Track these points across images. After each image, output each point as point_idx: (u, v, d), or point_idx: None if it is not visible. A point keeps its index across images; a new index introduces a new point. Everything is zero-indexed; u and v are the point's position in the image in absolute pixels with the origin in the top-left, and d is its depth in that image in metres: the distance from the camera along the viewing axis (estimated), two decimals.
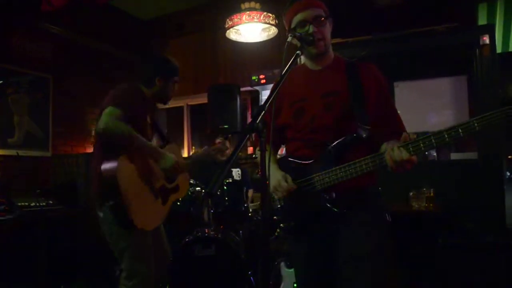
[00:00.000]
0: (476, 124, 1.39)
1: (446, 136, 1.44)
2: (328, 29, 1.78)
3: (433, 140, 1.46)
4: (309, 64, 1.87)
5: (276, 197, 1.81)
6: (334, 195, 1.68)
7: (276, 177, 1.76)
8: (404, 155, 1.48)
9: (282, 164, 1.85)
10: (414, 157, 1.50)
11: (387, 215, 1.76)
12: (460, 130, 1.41)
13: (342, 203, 1.67)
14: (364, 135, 1.65)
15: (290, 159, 1.85)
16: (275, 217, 1.92)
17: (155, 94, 2.56)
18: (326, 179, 1.66)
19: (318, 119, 1.74)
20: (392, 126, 1.75)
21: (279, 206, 1.84)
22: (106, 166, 2.23)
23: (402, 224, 3.12)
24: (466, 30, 3.76)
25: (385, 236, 1.71)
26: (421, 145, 1.48)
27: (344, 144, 1.67)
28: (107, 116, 2.19)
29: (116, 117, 2.19)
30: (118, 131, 2.19)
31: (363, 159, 1.59)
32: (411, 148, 1.49)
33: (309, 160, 1.75)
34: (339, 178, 1.63)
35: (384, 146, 1.62)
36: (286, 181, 1.73)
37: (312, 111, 1.77)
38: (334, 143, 1.68)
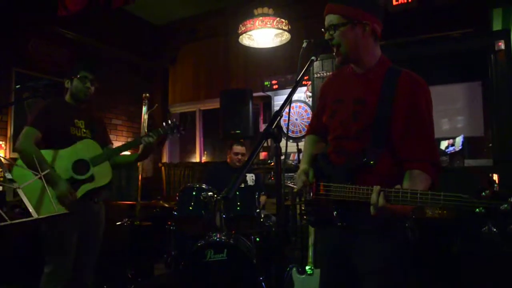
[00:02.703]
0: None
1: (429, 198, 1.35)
2: (348, 34, 1.65)
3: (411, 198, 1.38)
4: (353, 66, 1.78)
5: (298, 184, 1.80)
6: (341, 209, 1.64)
7: (302, 166, 1.80)
8: (380, 201, 1.41)
9: (315, 159, 1.83)
10: (391, 207, 1.41)
11: (405, 233, 1.66)
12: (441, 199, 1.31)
13: (348, 218, 1.63)
14: (372, 162, 1.56)
15: (322, 158, 1.80)
16: (303, 207, 1.90)
17: (71, 95, 2.78)
18: (338, 192, 1.62)
19: (344, 127, 1.70)
20: (415, 153, 1.59)
21: (307, 198, 1.82)
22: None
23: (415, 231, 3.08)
24: (481, 36, 3.72)
25: (394, 257, 1.61)
26: (400, 196, 1.39)
27: (357, 165, 1.60)
28: (23, 137, 2.45)
29: (31, 138, 2.44)
30: (29, 154, 2.38)
31: (366, 188, 1.50)
32: (390, 197, 1.41)
33: (334, 167, 1.71)
34: (347, 196, 1.58)
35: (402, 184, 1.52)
36: (307, 175, 1.74)
37: (341, 116, 1.72)
38: (351, 161, 1.63)
